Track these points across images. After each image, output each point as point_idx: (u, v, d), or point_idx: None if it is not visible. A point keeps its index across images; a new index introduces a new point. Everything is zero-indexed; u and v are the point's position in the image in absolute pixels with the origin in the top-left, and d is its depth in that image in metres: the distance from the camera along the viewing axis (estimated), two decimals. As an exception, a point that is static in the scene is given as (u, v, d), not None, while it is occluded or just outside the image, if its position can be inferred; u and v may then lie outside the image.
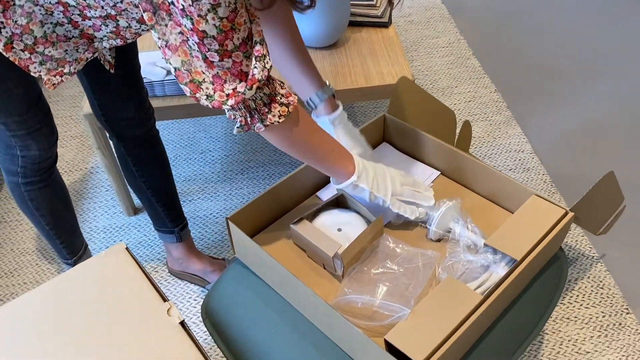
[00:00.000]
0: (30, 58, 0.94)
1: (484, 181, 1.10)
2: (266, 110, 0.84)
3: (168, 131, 1.99)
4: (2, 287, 1.54)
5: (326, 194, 1.13)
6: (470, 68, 2.24)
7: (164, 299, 0.86)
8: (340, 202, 1.07)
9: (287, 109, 0.85)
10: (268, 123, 0.85)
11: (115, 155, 1.30)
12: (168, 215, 1.39)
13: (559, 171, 1.72)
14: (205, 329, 1.38)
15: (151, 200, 1.35)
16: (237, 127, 0.86)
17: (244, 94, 0.79)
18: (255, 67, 0.78)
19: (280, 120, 0.85)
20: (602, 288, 1.46)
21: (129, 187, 1.66)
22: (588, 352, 1.33)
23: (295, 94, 0.88)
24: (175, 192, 1.39)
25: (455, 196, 1.05)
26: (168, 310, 0.84)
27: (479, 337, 0.91)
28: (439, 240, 1.04)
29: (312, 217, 1.05)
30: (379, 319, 0.89)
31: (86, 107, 1.42)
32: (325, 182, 1.15)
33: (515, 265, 0.89)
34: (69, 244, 1.34)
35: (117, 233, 1.66)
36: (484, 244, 0.95)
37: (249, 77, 0.79)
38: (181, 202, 1.43)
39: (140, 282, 0.89)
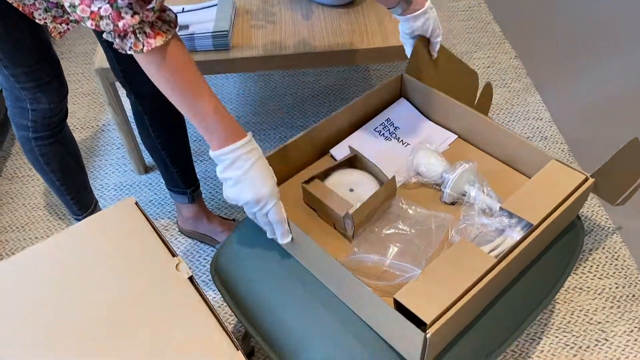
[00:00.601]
0: (34, 4, 0.92)
1: (502, 145, 1.07)
2: (121, 35, 0.77)
3: (180, 91, 1.97)
4: (13, 240, 1.55)
5: (339, 152, 1.11)
6: (490, 33, 2.17)
7: (173, 254, 0.85)
8: (353, 162, 1.05)
9: (141, 47, 0.77)
10: (118, 47, 0.78)
11: (132, 113, 1.28)
12: (181, 176, 1.37)
13: (578, 140, 1.68)
14: (214, 288, 1.38)
15: (165, 161, 1.33)
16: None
17: (100, 25, 0.73)
18: (129, 16, 0.72)
19: (130, 52, 0.78)
20: (616, 259, 1.44)
21: (142, 146, 1.65)
22: (599, 322, 1.32)
23: (168, 40, 0.78)
24: (189, 153, 1.36)
25: (472, 159, 1.02)
26: (177, 266, 0.84)
27: (490, 302, 0.89)
28: (453, 204, 1.02)
29: (324, 176, 1.03)
30: (388, 278, 0.88)
31: (98, 62, 1.40)
32: (338, 139, 1.13)
33: (531, 229, 0.87)
34: (79, 200, 1.34)
35: (128, 191, 1.66)
36: (500, 207, 0.93)
37: (118, 15, 0.72)
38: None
39: (149, 236, 0.88)
